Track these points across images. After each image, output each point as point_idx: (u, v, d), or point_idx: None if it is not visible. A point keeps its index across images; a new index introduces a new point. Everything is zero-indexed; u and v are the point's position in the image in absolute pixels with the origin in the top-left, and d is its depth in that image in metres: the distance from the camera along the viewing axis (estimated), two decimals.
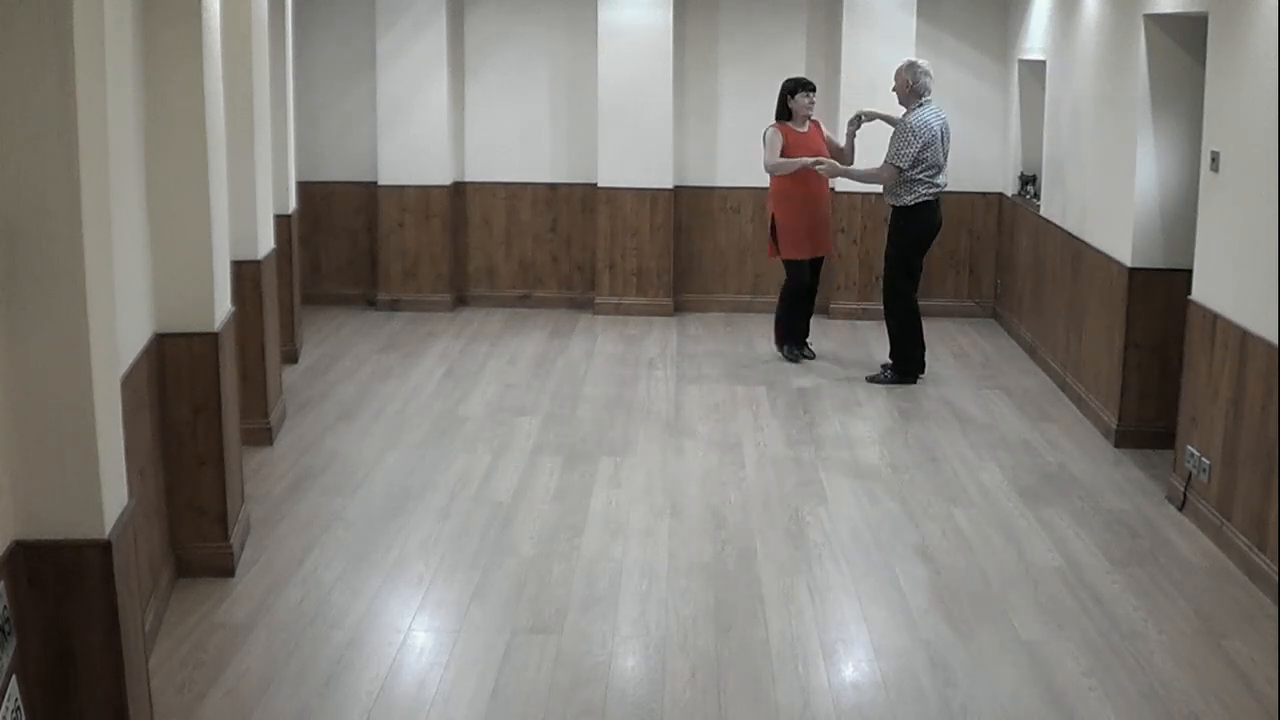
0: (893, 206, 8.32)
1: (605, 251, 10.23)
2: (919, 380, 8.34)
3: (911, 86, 8.13)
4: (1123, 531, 5.88)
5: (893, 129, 8.29)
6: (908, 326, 8.37)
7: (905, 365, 8.40)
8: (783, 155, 8.60)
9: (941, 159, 8.17)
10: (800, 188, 8.66)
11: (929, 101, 8.15)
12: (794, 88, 8.74)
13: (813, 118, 8.79)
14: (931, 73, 8.19)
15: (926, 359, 8.45)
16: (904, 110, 8.25)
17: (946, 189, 8.31)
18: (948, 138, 8.24)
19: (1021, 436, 7.26)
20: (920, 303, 10.28)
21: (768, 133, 8.74)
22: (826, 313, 10.14)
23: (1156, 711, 4.30)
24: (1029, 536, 5.80)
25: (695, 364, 8.80)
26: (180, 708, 4.23)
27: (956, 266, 10.36)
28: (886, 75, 9.71)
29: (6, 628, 2.92)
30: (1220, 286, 5.83)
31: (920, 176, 8.11)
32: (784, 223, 8.72)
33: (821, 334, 9.54)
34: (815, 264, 8.90)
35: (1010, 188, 9.98)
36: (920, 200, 8.15)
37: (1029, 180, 9.65)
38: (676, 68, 10.14)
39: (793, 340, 8.94)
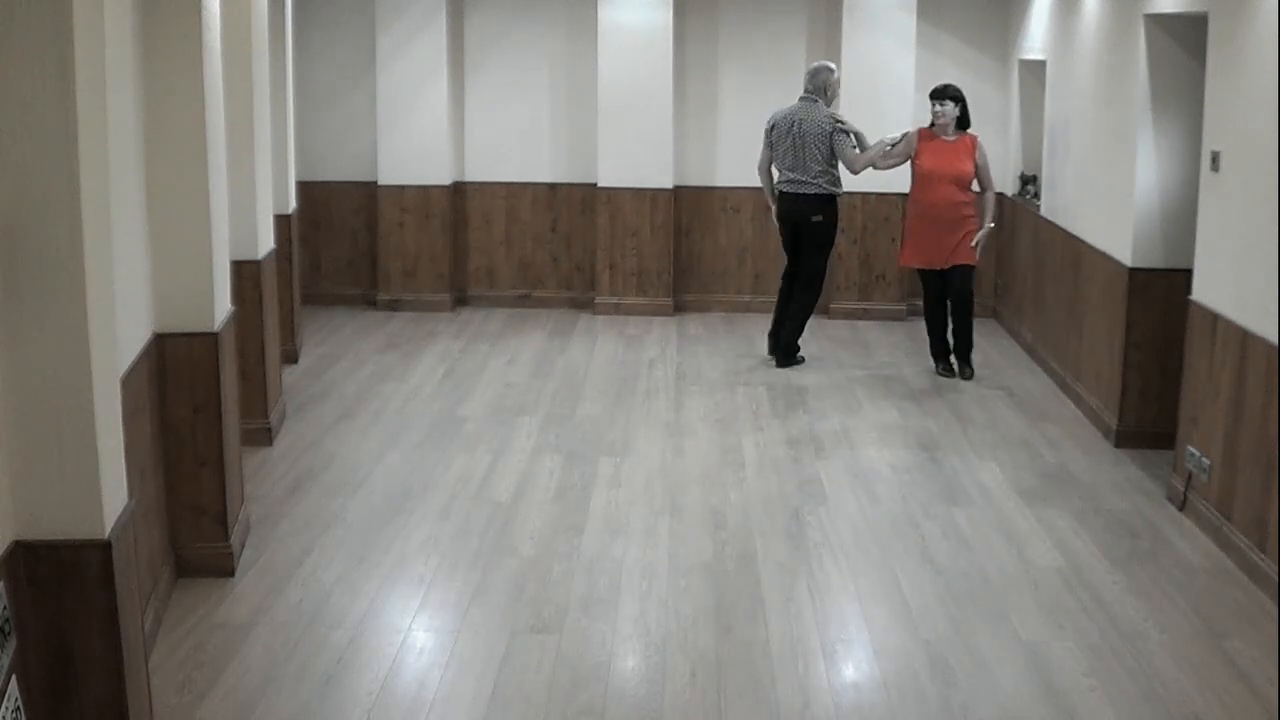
0: None
1: (605, 251, 10.23)
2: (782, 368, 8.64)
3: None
4: (1123, 531, 5.88)
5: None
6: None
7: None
8: (910, 162, 8.51)
9: (780, 154, 8.50)
10: (921, 194, 8.39)
11: (800, 102, 8.53)
12: (931, 93, 8.47)
13: (948, 133, 8.40)
14: (824, 75, 8.51)
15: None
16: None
17: (786, 190, 8.51)
18: (795, 137, 8.41)
19: (1021, 436, 7.26)
20: (919, 303, 10.29)
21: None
22: (827, 313, 10.14)
23: (1156, 711, 4.30)
24: (1029, 536, 5.80)
25: (695, 364, 8.80)
26: (180, 708, 4.23)
27: None
28: (887, 75, 9.71)
29: (6, 628, 2.92)
30: (1220, 286, 5.83)
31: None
32: (905, 226, 8.77)
33: (821, 334, 9.54)
34: (946, 275, 8.38)
35: (1010, 188, 9.97)
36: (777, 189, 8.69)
37: (1029, 180, 9.65)
38: (676, 68, 10.14)
39: (935, 354, 8.59)
